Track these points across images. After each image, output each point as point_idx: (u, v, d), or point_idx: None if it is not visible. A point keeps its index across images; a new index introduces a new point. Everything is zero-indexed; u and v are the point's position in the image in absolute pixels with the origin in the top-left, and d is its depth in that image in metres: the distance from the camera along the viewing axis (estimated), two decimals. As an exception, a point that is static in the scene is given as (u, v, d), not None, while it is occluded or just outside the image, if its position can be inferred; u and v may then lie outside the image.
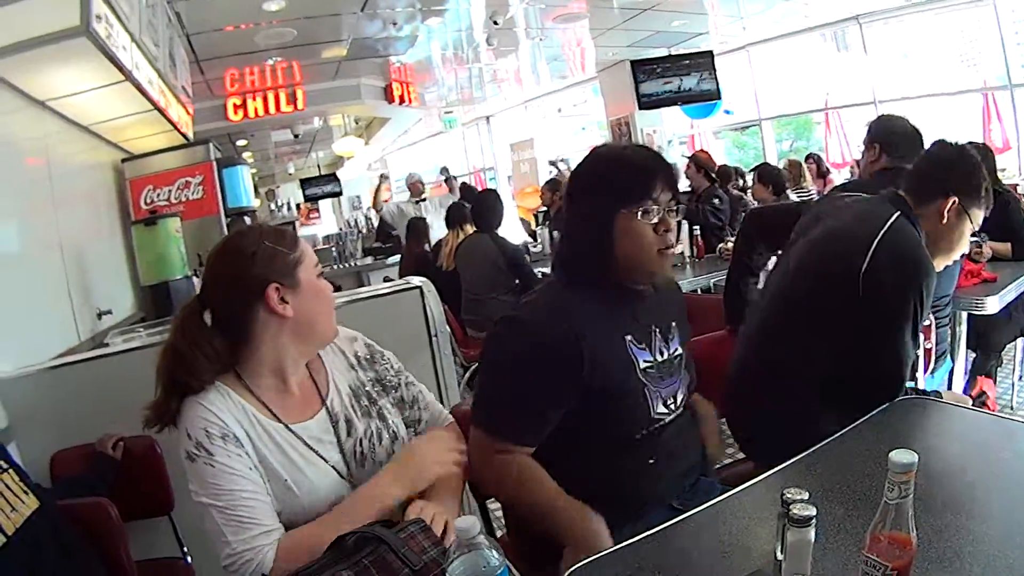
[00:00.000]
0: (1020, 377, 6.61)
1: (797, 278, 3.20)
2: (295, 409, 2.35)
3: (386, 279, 9.51)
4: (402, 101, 13.04)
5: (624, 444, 2.44)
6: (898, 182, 3.22)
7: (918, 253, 2.87)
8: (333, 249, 13.69)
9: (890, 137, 4.59)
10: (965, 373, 5.68)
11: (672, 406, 2.57)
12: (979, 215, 3.08)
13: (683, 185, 9.88)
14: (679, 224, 7.44)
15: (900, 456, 1.59)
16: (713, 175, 9.04)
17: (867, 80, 14.77)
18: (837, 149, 16.20)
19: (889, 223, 2.92)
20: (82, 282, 5.83)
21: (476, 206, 7.93)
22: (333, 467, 2.31)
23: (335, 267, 12.55)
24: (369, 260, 12.97)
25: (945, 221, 3.04)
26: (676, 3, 10.64)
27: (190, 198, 7.65)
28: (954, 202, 3.02)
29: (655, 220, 2.37)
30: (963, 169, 3.08)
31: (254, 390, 2.29)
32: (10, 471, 2.80)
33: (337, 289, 10.58)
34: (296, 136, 15.88)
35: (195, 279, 6.68)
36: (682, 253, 7.66)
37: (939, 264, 3.08)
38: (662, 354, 2.56)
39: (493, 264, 7.43)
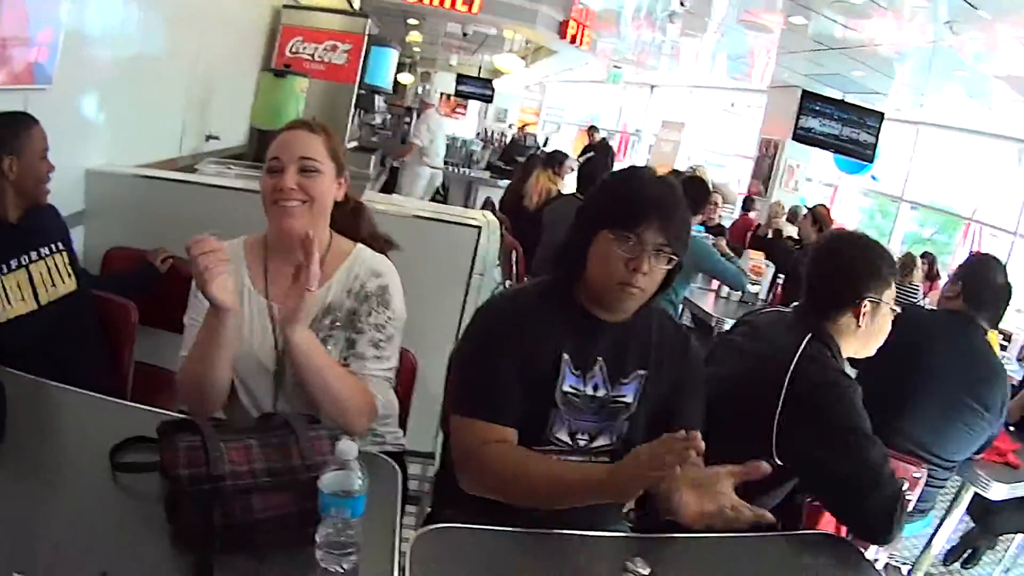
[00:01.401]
0: (1007, 571, 6.57)
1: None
2: (280, 286, 2.53)
3: (487, 201, 9.54)
4: (573, 41, 13.01)
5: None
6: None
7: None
8: (458, 150, 13.74)
9: (978, 285, 4.38)
10: (949, 541, 5.68)
11: (581, 442, 2.53)
12: (892, 293, 3.02)
13: (792, 231, 9.84)
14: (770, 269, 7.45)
15: None
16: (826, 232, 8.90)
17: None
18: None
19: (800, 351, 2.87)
20: (202, 103, 6.02)
21: (585, 165, 7.84)
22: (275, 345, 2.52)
23: (451, 169, 12.58)
24: (487, 175, 12.95)
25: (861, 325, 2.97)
26: (867, 54, 10.50)
27: (333, 61, 7.83)
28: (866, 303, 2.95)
29: (629, 255, 2.32)
30: (866, 268, 2.98)
31: (267, 256, 2.59)
32: (63, 253, 3.15)
33: (442, 189, 10.74)
34: (465, 35, 15.97)
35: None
36: (756, 293, 7.57)
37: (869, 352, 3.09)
38: (596, 390, 2.50)
39: None
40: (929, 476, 4.00)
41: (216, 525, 1.83)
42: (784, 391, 2.77)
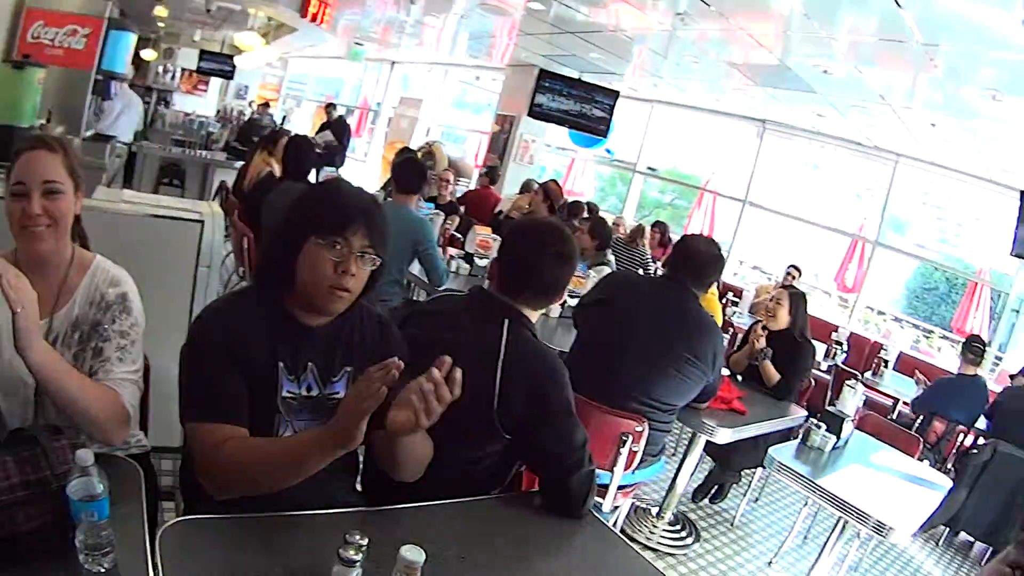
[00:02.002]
0: (756, 499, 6.96)
1: None
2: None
3: (222, 185, 9.40)
4: (314, 19, 12.91)
5: None
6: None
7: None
8: (195, 131, 13.41)
9: (685, 259, 4.79)
10: (695, 480, 6.01)
11: None
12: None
13: (524, 205, 10.03)
14: (497, 243, 7.59)
15: (409, 553, 1.93)
16: (556, 207, 9.16)
17: (750, 178, 15.28)
18: (698, 227, 16.62)
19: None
20: None
21: (291, 147, 7.69)
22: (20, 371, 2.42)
23: (186, 151, 12.28)
24: (224, 156, 12.69)
25: None
26: (604, 39, 10.74)
27: (72, 46, 7.58)
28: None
29: (337, 259, 2.45)
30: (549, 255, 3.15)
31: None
32: None
33: (178, 174, 10.41)
34: (209, 10, 15.62)
35: (39, 132, 6.64)
36: (486, 267, 7.68)
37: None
38: (310, 391, 2.63)
39: None
40: (652, 421, 4.40)
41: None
42: (499, 379, 2.91)
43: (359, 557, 1.96)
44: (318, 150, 15.22)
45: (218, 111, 22.46)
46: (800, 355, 6.19)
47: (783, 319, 6.20)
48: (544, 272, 3.11)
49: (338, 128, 16.69)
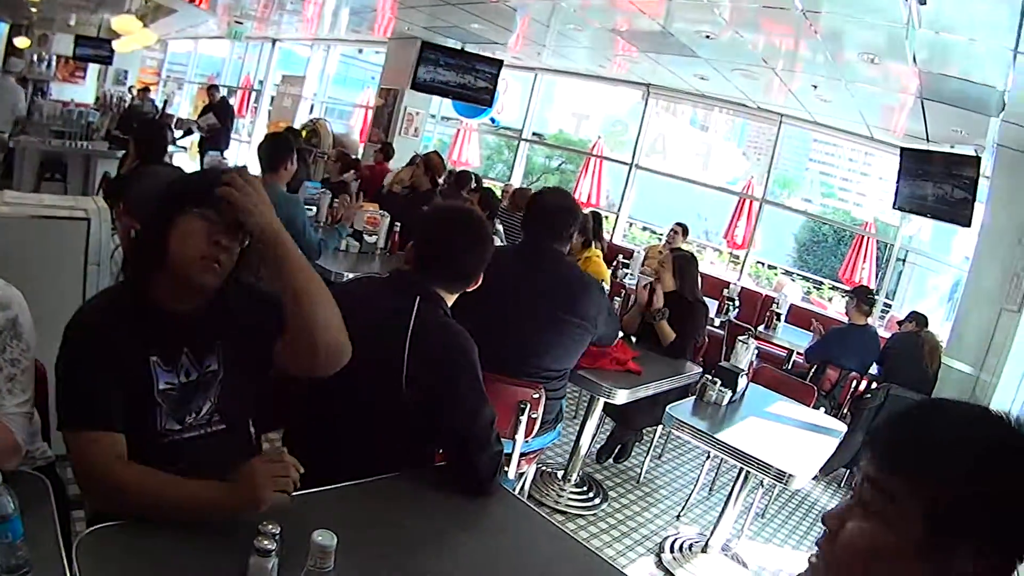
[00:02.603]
0: (660, 456, 7.09)
1: None
2: None
3: (105, 176, 9.25)
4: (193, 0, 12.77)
5: (144, 449, 2.42)
6: None
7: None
8: (75, 121, 13.11)
9: (546, 217, 4.79)
10: (593, 438, 6.09)
11: (190, 421, 2.60)
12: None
13: (405, 178, 10.04)
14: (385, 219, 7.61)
15: (321, 538, 1.94)
16: (438, 179, 9.18)
17: (636, 142, 15.31)
18: (587, 190, 16.74)
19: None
20: None
21: (143, 129, 7.66)
22: None
23: (66, 143, 12.01)
24: (106, 146, 12.41)
25: None
26: (485, 9, 10.67)
27: (-66, 38, 7.35)
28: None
29: (212, 231, 2.42)
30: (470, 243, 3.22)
31: None
32: None
33: (60, 168, 10.16)
34: (84, -8, 15.33)
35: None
36: (375, 243, 7.76)
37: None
38: (188, 375, 2.58)
39: None
40: (546, 389, 4.43)
41: None
42: (407, 355, 2.91)
43: (274, 546, 1.98)
44: (202, 134, 15.02)
45: (97, 99, 21.89)
46: (692, 314, 6.31)
47: (669, 282, 6.31)
48: (457, 257, 3.14)
49: (221, 110, 16.41)
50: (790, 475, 4.34)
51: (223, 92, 18.70)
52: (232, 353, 2.66)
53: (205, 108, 16.96)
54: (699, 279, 6.54)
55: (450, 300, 3.19)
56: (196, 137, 16.32)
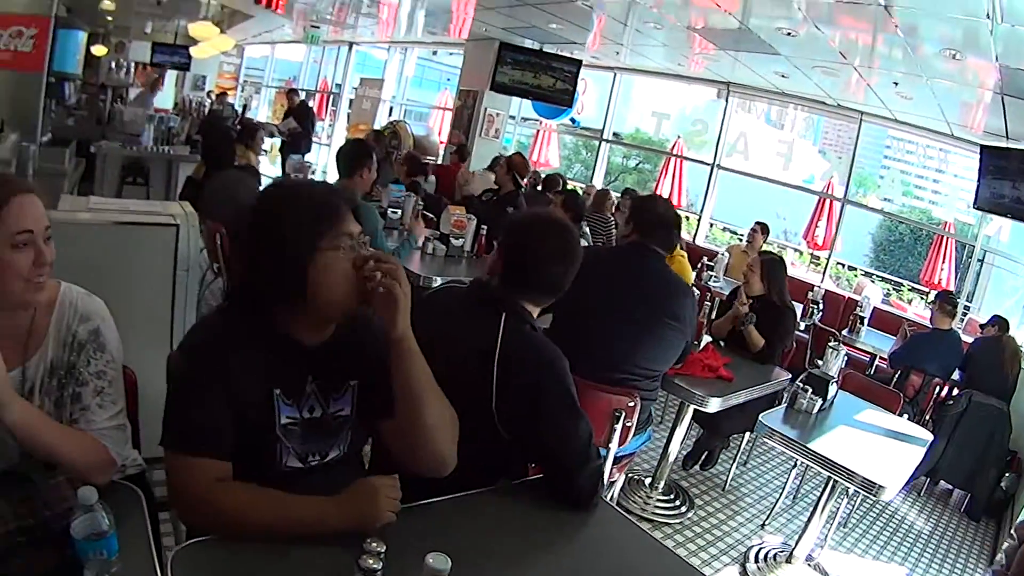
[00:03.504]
0: (745, 463, 7.00)
1: None
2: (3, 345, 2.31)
3: (188, 179, 9.32)
4: (269, 5, 12.82)
5: (260, 480, 2.33)
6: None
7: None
8: (156, 126, 13.22)
9: (645, 220, 4.80)
10: (684, 448, 6.02)
11: (313, 463, 2.52)
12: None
13: (489, 182, 10.01)
14: (472, 222, 7.59)
15: (434, 561, 1.93)
16: (521, 181, 9.09)
17: (718, 142, 15.08)
18: (668, 191, 16.61)
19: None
20: None
21: (210, 134, 7.76)
22: None
23: (149, 148, 12.12)
24: (187, 150, 12.48)
25: None
26: (563, 9, 10.61)
27: (19, 48, 7.39)
28: None
29: (352, 255, 2.30)
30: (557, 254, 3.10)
31: None
32: None
33: (141, 172, 10.24)
34: (159, 2, 15.44)
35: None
36: (461, 246, 7.70)
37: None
38: (312, 412, 2.48)
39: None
40: (640, 390, 4.41)
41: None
42: (495, 374, 2.84)
43: (379, 565, 1.93)
44: (283, 138, 15.10)
45: (176, 104, 22.20)
46: (782, 320, 6.27)
47: (757, 286, 6.24)
48: (546, 270, 3.04)
49: (302, 114, 16.51)
50: (880, 486, 4.25)
51: (302, 95, 18.80)
52: (363, 394, 2.59)
53: (287, 112, 17.06)
54: (787, 283, 6.45)
55: (536, 312, 3.11)
56: (277, 141, 16.42)
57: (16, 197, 2.25)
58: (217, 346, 2.35)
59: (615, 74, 16.35)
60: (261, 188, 2.62)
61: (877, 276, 21.96)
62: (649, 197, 5.40)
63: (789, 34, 8.43)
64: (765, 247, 11.05)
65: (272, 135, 16.12)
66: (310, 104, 19.33)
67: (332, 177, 16.05)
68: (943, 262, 14.28)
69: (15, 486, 2.06)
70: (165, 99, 22.28)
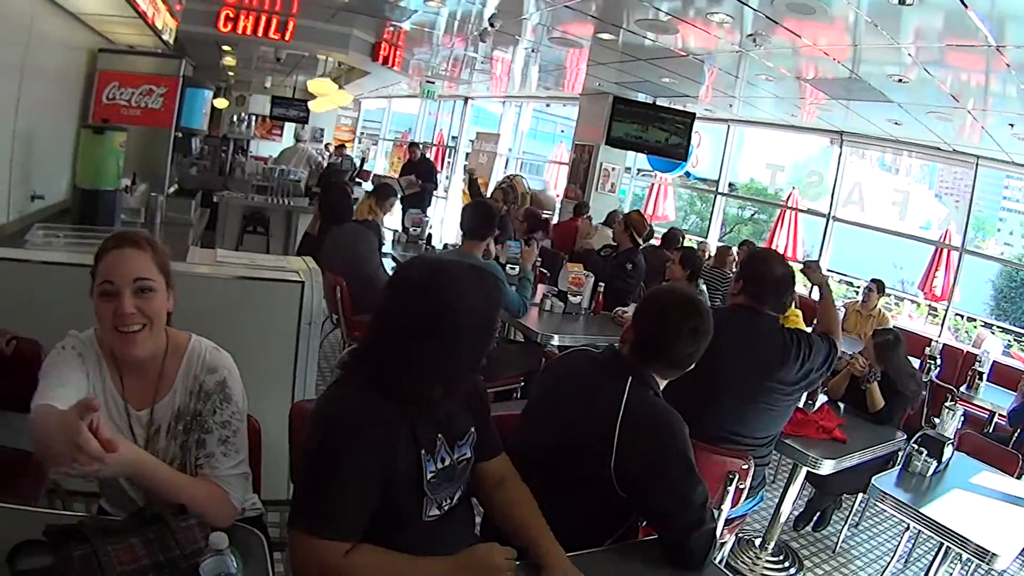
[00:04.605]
0: (857, 524, 6.90)
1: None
2: (132, 387, 2.55)
3: (307, 234, 9.49)
4: (385, 62, 13.02)
5: (409, 537, 2.47)
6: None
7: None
8: (276, 178, 13.46)
9: (756, 282, 4.72)
10: (796, 508, 5.96)
11: (446, 507, 2.63)
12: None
13: (608, 238, 10.04)
14: (590, 279, 7.64)
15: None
16: (639, 238, 9.03)
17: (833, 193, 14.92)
18: (783, 243, 16.47)
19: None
20: (24, 161, 5.83)
21: (330, 192, 8.46)
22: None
23: (268, 199, 12.40)
24: (306, 202, 12.73)
25: None
26: (674, 64, 10.68)
27: (149, 106, 7.70)
28: None
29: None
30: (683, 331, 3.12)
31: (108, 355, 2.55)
32: None
33: (262, 222, 10.48)
34: (279, 59, 15.82)
35: (124, 193, 6.78)
36: (579, 303, 7.73)
37: None
38: (443, 461, 2.58)
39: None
40: (753, 456, 4.37)
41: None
42: (617, 436, 2.88)
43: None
44: (402, 193, 15.19)
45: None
46: (904, 390, 6.18)
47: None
48: (677, 347, 3.09)
49: (424, 169, 16.67)
50: (994, 554, 4.18)
51: (421, 148, 18.96)
52: (478, 437, 2.73)
53: (405, 166, 17.18)
54: (906, 355, 6.36)
55: (663, 384, 3.16)
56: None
57: (109, 252, 2.47)
58: (364, 420, 2.42)
59: (728, 126, 16.33)
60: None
61: (997, 327, 21.46)
62: (760, 256, 5.26)
63: (900, 80, 8.37)
64: (882, 302, 10.90)
65: (400, 191, 16.15)
66: (427, 156, 19.48)
67: (448, 229, 16.18)
68: (1068, 309, 13.90)
69: (148, 524, 2.17)
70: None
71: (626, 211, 10.40)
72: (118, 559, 2.05)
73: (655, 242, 11.83)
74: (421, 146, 19.46)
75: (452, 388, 2.52)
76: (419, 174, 16.20)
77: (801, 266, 5.83)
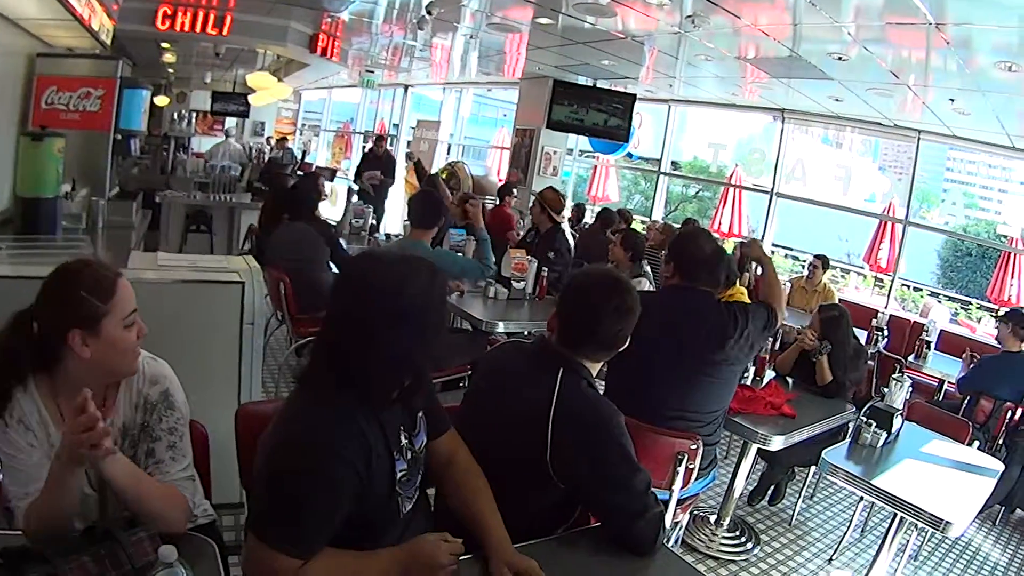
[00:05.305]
0: (811, 496, 6.94)
1: None
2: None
3: (251, 228, 9.43)
4: (324, 53, 12.98)
5: (388, 533, 2.52)
6: None
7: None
8: (217, 175, 13.36)
9: (686, 261, 4.75)
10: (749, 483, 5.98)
11: (416, 497, 2.66)
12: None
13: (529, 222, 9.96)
14: (533, 264, 7.61)
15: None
16: (556, 216, 8.98)
17: (775, 169, 14.97)
18: (727, 220, 16.55)
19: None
20: None
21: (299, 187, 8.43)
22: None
23: (211, 196, 12.27)
24: (248, 197, 12.66)
25: None
26: (614, 46, 10.69)
27: (87, 109, 7.57)
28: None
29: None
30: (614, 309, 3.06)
31: (56, 395, 2.52)
32: None
33: (205, 220, 10.44)
34: (218, 54, 15.74)
35: (64, 200, 6.71)
36: (523, 289, 7.73)
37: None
38: (407, 456, 2.57)
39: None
40: (701, 435, 4.40)
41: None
42: (551, 431, 2.86)
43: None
44: (366, 188, 14.78)
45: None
46: (857, 361, 6.28)
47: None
48: (604, 327, 3.04)
49: (389, 164, 15.89)
50: (948, 522, 4.20)
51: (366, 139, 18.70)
52: (427, 416, 2.74)
53: (369, 160, 16.04)
54: (851, 329, 6.40)
55: (595, 368, 3.12)
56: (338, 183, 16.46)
57: (117, 283, 2.49)
58: (341, 439, 2.37)
59: (669, 106, 16.35)
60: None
61: (944, 296, 21.66)
62: (685, 235, 5.18)
63: (840, 58, 8.41)
64: (827, 276, 10.98)
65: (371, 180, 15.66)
66: (367, 146, 19.21)
67: (391, 219, 16.04)
68: (1012, 278, 13.94)
69: (98, 542, 2.18)
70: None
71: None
72: (73, 577, 2.05)
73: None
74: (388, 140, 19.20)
75: (420, 376, 2.55)
76: (385, 170, 15.75)
77: (742, 243, 5.84)
